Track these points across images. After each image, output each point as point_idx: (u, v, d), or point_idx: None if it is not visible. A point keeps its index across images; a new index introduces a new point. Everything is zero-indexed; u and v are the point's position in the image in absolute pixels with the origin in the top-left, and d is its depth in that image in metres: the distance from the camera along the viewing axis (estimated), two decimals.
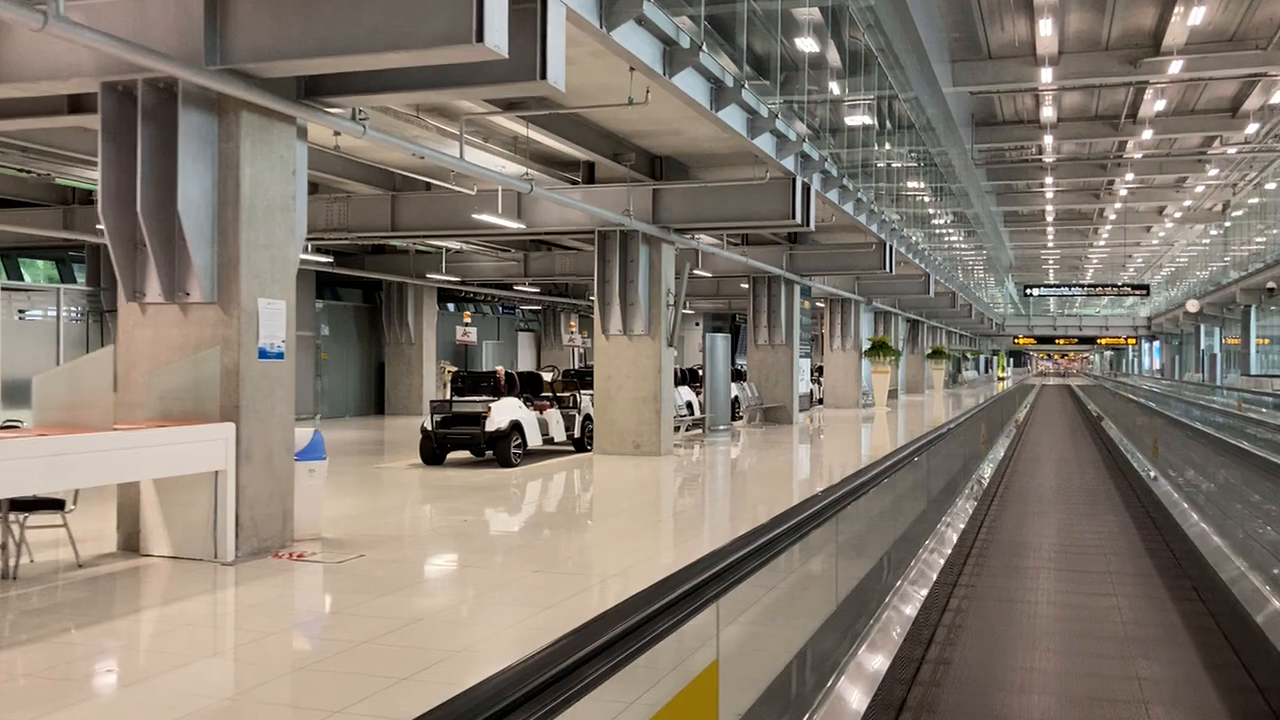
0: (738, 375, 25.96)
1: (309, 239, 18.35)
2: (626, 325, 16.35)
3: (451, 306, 33.49)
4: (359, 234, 17.53)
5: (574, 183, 16.36)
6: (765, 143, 13.89)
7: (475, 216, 15.01)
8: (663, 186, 15.84)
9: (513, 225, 15.63)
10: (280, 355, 8.39)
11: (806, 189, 15.62)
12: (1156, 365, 78.96)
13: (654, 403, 16.28)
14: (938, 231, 37.57)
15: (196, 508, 7.85)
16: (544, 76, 7.65)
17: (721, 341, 20.85)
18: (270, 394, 8.28)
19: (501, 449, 14.47)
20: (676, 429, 19.99)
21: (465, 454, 15.24)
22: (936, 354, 50.00)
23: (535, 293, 30.52)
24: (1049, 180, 41.77)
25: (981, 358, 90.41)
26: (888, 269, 23.43)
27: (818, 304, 33.41)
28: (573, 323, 29.84)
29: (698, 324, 43.04)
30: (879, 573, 6.71)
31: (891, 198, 25.94)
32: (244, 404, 8.01)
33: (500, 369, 15.43)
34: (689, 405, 21.42)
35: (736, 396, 23.72)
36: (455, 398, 15.15)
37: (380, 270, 26.16)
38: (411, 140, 11.17)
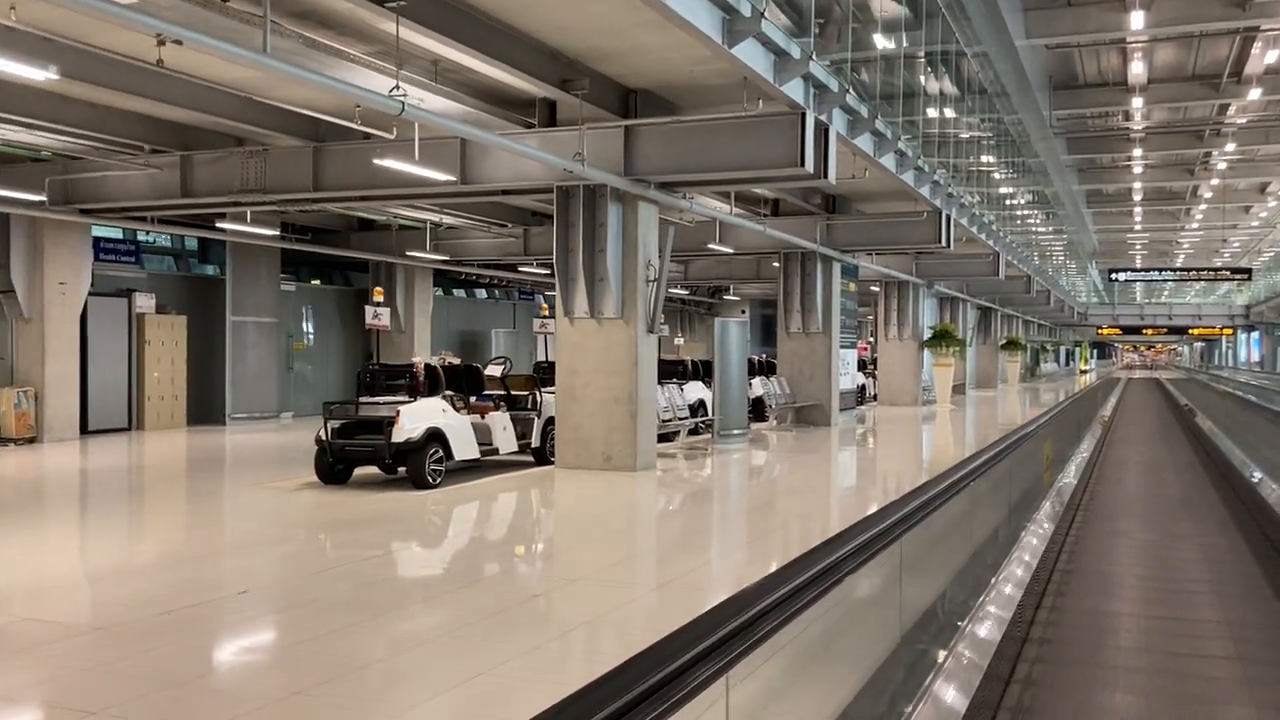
0: (770, 368, 22.41)
1: (233, 204, 15.26)
2: (594, 306, 12.92)
3: (460, 292, 30.39)
4: (278, 196, 14.32)
5: (529, 125, 12.95)
6: (754, 57, 10.35)
7: (378, 162, 11.65)
8: (634, 124, 12.36)
9: (440, 177, 12.26)
10: None
11: (822, 129, 12.03)
12: (1255, 357, 73.24)
13: (628, 404, 12.82)
14: (1012, 210, 33.54)
15: None
16: None
17: (735, 328, 17.30)
18: None
19: (414, 465, 11.15)
20: (674, 435, 16.52)
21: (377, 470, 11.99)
22: (1011, 345, 45.72)
23: (545, 274, 27.16)
24: (1137, 153, 37.34)
25: (1062, 349, 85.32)
26: (944, 243, 19.66)
27: (872, 287, 29.68)
28: (545, 305, 26.33)
29: (743, 310, 39.47)
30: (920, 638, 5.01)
31: (961, 174, 22.13)
32: None
33: (419, 360, 12.11)
34: (701, 404, 17.94)
35: (761, 395, 20.16)
36: (363, 398, 11.85)
37: (365, 249, 23.06)
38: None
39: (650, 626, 5.82)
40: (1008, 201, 32.48)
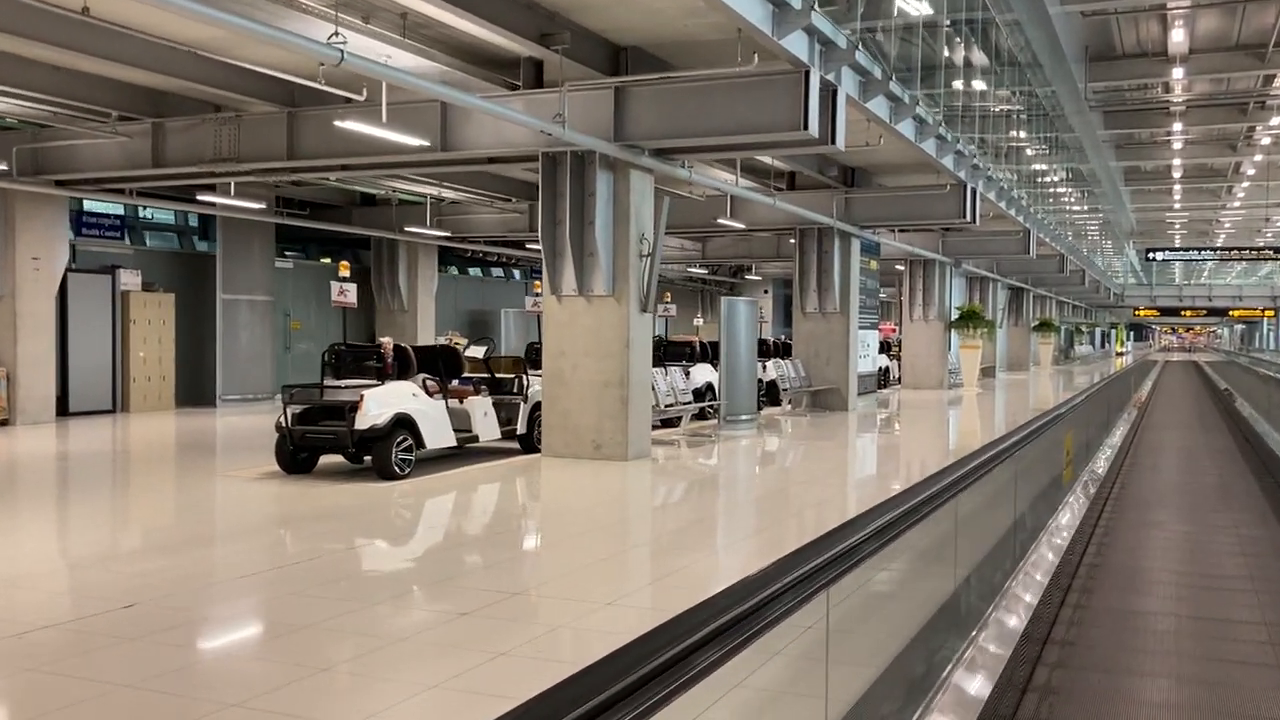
0: (787, 350, 21.45)
1: (208, 174, 14.45)
2: (583, 283, 11.98)
3: (475, 270, 29.49)
4: (252, 165, 13.47)
5: (513, 87, 11.99)
6: (749, 6, 9.31)
7: (339, 125, 10.72)
8: (623, 83, 11.37)
9: (413, 142, 11.34)
10: None
11: (829, 90, 11.02)
12: None
13: (619, 389, 11.88)
14: (1044, 187, 32.21)
15: None
16: None
17: (744, 308, 16.32)
18: None
19: (379, 454, 10.27)
20: (676, 421, 15.59)
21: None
22: (1043, 326, 44.41)
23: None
24: (1177, 128, 35.82)
25: (1098, 331, 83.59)
26: (969, 218, 18.53)
27: (896, 266, 28.57)
28: (537, 283, 25.25)
29: (766, 291, 38.39)
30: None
31: (989, 148, 20.92)
32: None
33: (386, 341, 11.22)
34: (709, 388, 16.98)
35: (775, 379, 19.20)
36: (328, 382, 10.97)
37: (367, 225, 22.24)
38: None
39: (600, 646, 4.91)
40: (1040, 179, 31.21)
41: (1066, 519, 9.22)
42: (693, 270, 32.64)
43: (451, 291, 26.78)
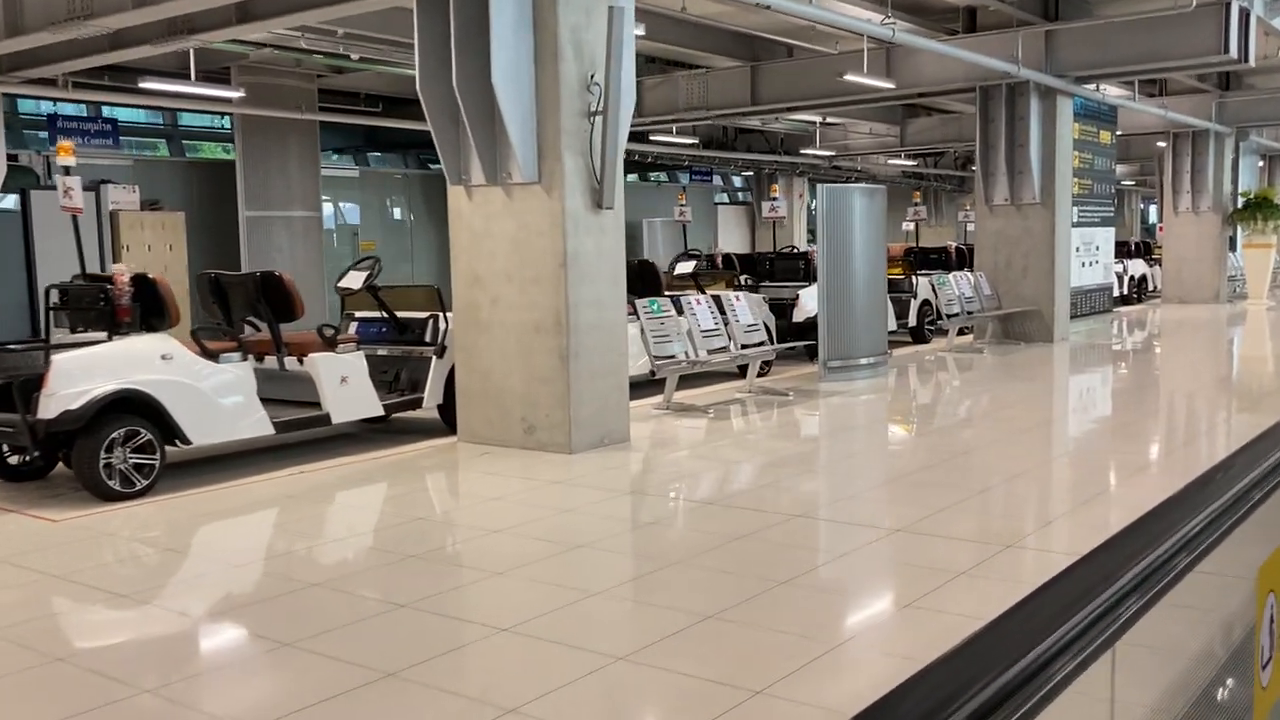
0: (964, 259, 15.95)
1: (68, 44, 10.74)
2: (494, 165, 7.32)
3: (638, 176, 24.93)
4: (104, 19, 9.51)
5: None
6: None
7: None
8: None
9: None
10: None
11: None
12: None
13: (555, 336, 7.20)
14: None
15: None
16: None
17: (862, 200, 11.02)
18: None
19: (79, 459, 6.13)
20: (745, 368, 10.68)
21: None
22: None
23: (690, 147, 21.23)
24: None
25: None
26: (1234, 53, 12.28)
27: (1157, 142, 21.85)
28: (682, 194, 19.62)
29: None
30: None
31: None
32: None
33: (119, 268, 6.91)
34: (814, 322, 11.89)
35: (933, 300, 13.81)
36: (57, 336, 6.91)
37: None
38: None
39: None
40: None
41: None
42: (895, 162, 26.83)
43: None
